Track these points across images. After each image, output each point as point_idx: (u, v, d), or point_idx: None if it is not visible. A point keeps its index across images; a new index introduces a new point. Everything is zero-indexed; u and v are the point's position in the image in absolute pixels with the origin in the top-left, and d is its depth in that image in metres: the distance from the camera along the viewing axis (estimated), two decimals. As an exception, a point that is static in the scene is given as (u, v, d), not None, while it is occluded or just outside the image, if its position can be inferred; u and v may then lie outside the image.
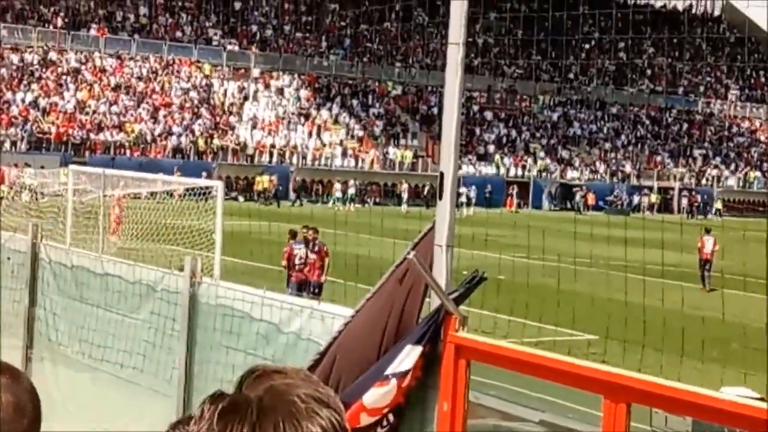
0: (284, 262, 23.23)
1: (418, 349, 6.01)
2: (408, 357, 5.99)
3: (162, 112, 65.53)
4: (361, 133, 73.37)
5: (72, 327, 10.17)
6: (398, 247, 6.95)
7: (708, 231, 34.33)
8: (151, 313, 8.74)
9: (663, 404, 5.24)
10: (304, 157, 68.42)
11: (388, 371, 5.99)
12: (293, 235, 23.83)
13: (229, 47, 74.82)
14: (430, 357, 6.06)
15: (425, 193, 63.09)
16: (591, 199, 73.78)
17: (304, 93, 74.99)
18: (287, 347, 7.05)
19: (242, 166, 63.94)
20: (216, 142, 65.30)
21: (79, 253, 10.63)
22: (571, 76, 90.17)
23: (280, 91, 73.97)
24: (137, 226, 27.97)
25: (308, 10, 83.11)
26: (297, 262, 23.30)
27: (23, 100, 61.08)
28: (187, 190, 26.84)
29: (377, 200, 63.56)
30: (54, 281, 10.53)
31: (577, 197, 74.29)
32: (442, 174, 6.29)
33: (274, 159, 66.77)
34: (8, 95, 61.07)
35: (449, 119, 6.35)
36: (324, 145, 70.12)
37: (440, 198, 6.30)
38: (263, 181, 61.62)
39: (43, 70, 64.57)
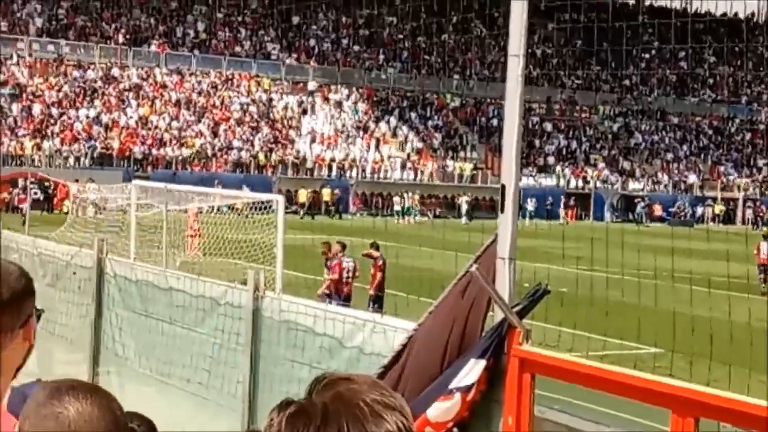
0: (335, 275, 23.05)
1: (482, 362, 5.98)
2: (472, 371, 5.97)
3: (222, 127, 66.11)
4: (420, 146, 73.40)
5: (138, 341, 10.27)
6: (460, 259, 6.92)
7: (766, 237, 34.55)
8: (215, 328, 8.80)
9: (731, 418, 5.17)
10: (364, 170, 68.58)
11: (452, 385, 5.98)
12: (343, 247, 23.75)
13: (288, 61, 75.29)
14: (494, 371, 6.03)
15: (471, 204, 63.01)
16: (653, 210, 73.08)
17: (362, 106, 75.20)
18: (350, 361, 7.06)
19: (302, 180, 64.23)
20: (276, 156, 65.69)
21: (144, 268, 10.73)
22: (631, 85, 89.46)
23: (339, 105, 74.25)
24: (200, 240, 28.23)
25: (366, 24, 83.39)
26: (345, 275, 23.21)
27: (87, 116, 61.96)
28: (249, 204, 27.05)
29: (437, 213, 63.51)
30: (119, 296, 10.64)
31: (639, 208, 73.59)
32: (503, 186, 6.28)
33: (334, 172, 67.00)
34: (72, 112, 62.00)
35: (510, 131, 6.34)
36: (383, 158, 70.23)
37: (502, 210, 6.29)
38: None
39: (106, 86, 65.47)
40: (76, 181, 44.29)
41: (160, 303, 9.81)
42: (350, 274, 23.18)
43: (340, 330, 7.19)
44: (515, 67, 6.25)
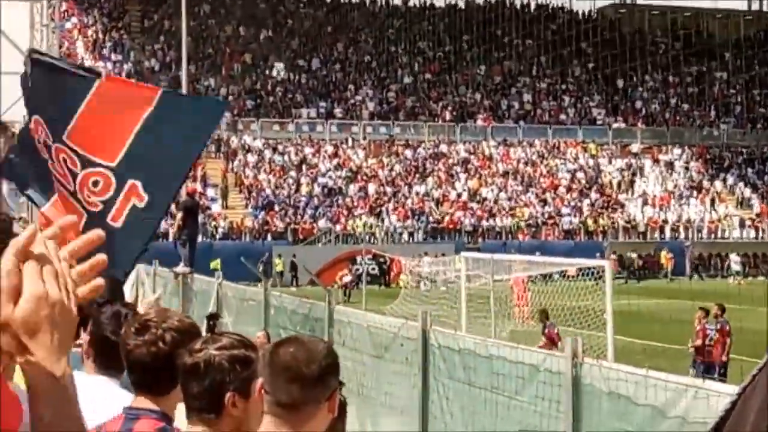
0: (699, 341, 22.15)
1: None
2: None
3: (550, 195, 66.15)
4: (759, 203, 70.16)
5: (463, 411, 10.29)
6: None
7: None
8: (535, 396, 8.65)
9: None
10: (699, 231, 66.27)
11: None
12: (706, 313, 22.65)
13: (615, 125, 74.50)
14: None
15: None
16: None
17: (694, 165, 73.02)
18: (672, 429, 6.71)
19: (634, 244, 62.88)
20: (605, 221, 64.83)
21: (466, 337, 10.77)
22: None
23: (670, 165, 72.47)
24: (529, 308, 28.24)
25: (695, 81, 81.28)
26: (707, 342, 22.22)
27: (417, 193, 63.90)
28: (579, 270, 26.79)
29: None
30: (444, 366, 10.71)
31: None
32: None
33: (667, 234, 65.18)
34: (404, 189, 64.16)
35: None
36: (720, 218, 67.64)
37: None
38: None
39: (435, 162, 67.34)
40: (421, 255, 45.55)
41: (481, 372, 9.78)
42: (712, 342, 22.23)
43: (662, 396, 6.85)
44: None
